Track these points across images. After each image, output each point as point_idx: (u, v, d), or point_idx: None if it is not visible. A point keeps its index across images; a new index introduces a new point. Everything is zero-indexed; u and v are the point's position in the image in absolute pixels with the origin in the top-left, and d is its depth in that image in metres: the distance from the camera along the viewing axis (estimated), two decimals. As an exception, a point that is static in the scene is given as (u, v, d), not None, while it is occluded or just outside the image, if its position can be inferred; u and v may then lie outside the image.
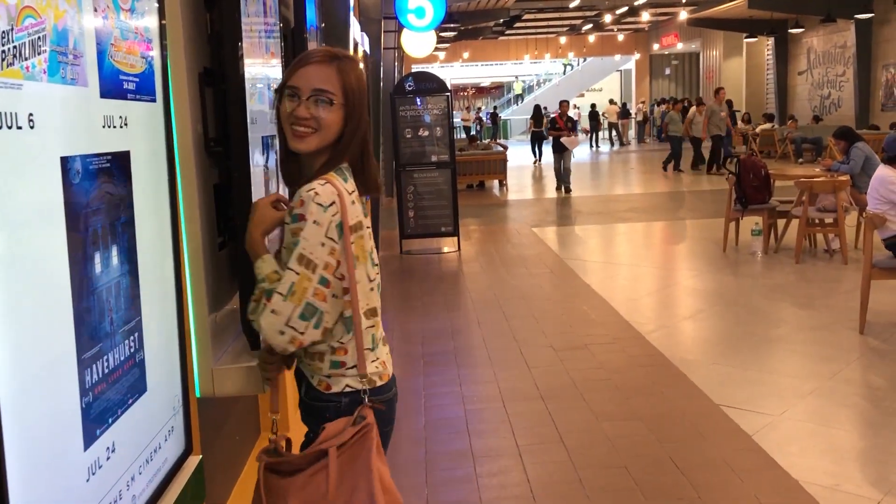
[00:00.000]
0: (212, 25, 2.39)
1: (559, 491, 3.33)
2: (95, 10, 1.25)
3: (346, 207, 1.68)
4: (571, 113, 16.66)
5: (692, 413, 4.07)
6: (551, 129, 14.84)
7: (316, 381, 1.77)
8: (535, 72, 43.20)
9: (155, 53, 1.46)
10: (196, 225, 1.84)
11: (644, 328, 5.63)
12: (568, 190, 14.11)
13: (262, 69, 2.59)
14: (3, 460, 0.87)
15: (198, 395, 1.98)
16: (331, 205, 1.66)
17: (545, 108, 26.80)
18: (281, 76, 2.95)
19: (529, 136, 22.68)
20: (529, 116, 23.09)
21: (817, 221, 7.78)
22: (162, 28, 1.40)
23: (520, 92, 43.10)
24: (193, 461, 1.51)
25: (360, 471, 1.65)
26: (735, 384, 4.46)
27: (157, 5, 1.41)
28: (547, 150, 16.34)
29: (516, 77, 43.11)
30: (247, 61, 2.29)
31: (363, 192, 1.83)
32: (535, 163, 20.89)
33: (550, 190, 14.97)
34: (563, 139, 14.04)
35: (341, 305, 1.74)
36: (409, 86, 9.11)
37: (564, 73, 40.48)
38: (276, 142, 2.01)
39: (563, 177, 14.24)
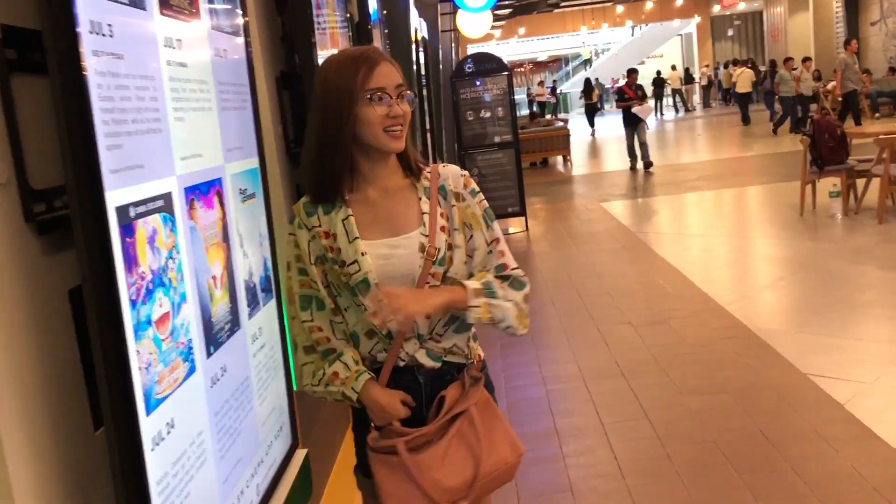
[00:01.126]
0: (284, 28, 2.44)
1: (648, 468, 3.32)
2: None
3: None
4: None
5: (780, 384, 3.99)
6: (619, 100, 13.68)
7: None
8: (594, 42, 42.47)
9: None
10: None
11: (724, 300, 5.53)
12: (648, 164, 12.87)
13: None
14: (143, 465, 0.93)
15: (294, 388, 2.05)
16: None
17: (597, 79, 29.34)
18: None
19: (584, 110, 24.18)
20: (581, 90, 23.83)
21: (900, 179, 7.48)
22: (247, 37, 1.45)
23: (588, 56, 42.04)
24: (300, 455, 1.56)
25: (495, 424, 1.76)
26: (823, 352, 4.35)
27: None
28: (604, 121, 16.65)
29: (583, 43, 41.85)
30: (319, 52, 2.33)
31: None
32: (591, 134, 22.17)
33: (614, 163, 14.75)
34: (634, 109, 12.89)
35: None
36: (469, 68, 9.09)
37: (586, 67, 39.89)
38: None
39: (640, 152, 13.02)
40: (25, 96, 1.00)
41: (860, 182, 7.87)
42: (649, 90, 26.82)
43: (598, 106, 25.80)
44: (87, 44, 0.87)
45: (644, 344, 4.81)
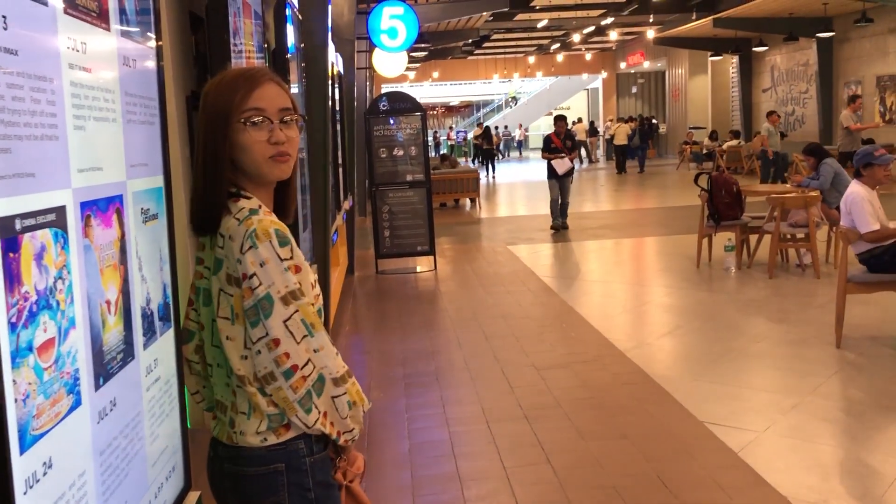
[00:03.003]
0: (197, 47, 2.35)
1: (549, 513, 3.30)
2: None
3: None
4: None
5: (678, 431, 4.07)
6: (545, 150, 11.72)
7: None
8: (503, 91, 43.50)
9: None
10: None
11: (624, 345, 5.64)
12: (564, 227, 11.50)
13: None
14: None
15: (189, 426, 1.92)
16: None
17: (496, 127, 32.70)
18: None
19: (482, 155, 26.22)
20: (480, 136, 25.50)
21: (789, 237, 7.89)
22: (159, 49, 1.37)
23: (514, 95, 42.68)
24: (193, 497, 1.45)
25: None
26: (717, 400, 4.47)
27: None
28: (501, 165, 17.12)
29: (513, 81, 42.37)
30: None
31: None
32: (491, 178, 23.84)
33: (521, 208, 15.03)
34: (553, 162, 11.34)
35: None
36: (384, 105, 9.10)
37: (511, 104, 41.21)
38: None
39: (559, 211, 11.51)
40: None
41: (753, 238, 8.25)
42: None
43: (496, 152, 27.51)
44: (-22, 34, 0.78)
45: (547, 387, 4.84)
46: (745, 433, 3.96)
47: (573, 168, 11.57)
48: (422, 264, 9.22)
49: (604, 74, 34.00)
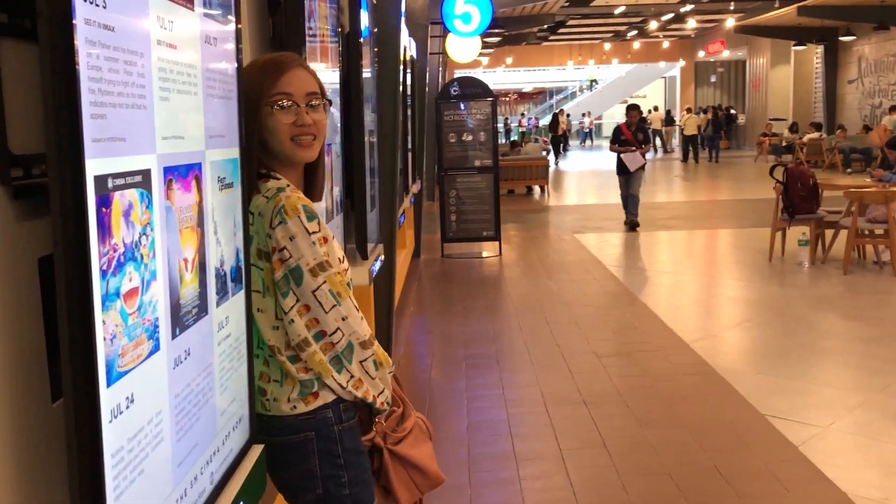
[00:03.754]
0: (274, 29, 2.46)
1: (602, 495, 3.34)
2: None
3: None
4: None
5: (737, 422, 4.04)
6: (613, 141, 10.68)
7: None
8: (578, 77, 43.00)
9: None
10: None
11: (688, 337, 5.59)
12: (634, 226, 10.51)
13: (324, 73, 2.65)
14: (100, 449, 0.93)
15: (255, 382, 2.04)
16: None
17: (568, 114, 32.40)
18: (338, 81, 3.02)
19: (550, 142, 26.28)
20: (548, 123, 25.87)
21: (867, 232, 7.65)
22: (238, 31, 1.47)
23: (594, 78, 41.84)
24: (257, 450, 1.56)
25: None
26: (781, 394, 4.41)
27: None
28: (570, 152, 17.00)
29: (588, 68, 41.37)
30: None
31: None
32: (555, 164, 23.86)
33: (590, 197, 14.91)
34: (623, 156, 10.29)
35: None
36: (455, 91, 9.16)
37: (591, 88, 40.42)
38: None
39: (629, 206, 10.62)
40: (12, 61, 1.01)
41: (829, 232, 8.03)
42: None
43: (563, 140, 27.72)
44: (80, 12, 0.88)
45: (607, 374, 4.85)
46: (807, 428, 3.91)
47: (645, 164, 10.49)
48: (487, 249, 9.28)
49: (681, 63, 33.26)
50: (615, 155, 10.52)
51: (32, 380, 1.07)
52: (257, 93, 1.58)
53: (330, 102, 1.72)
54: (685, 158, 23.37)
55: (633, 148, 10.30)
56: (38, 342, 1.07)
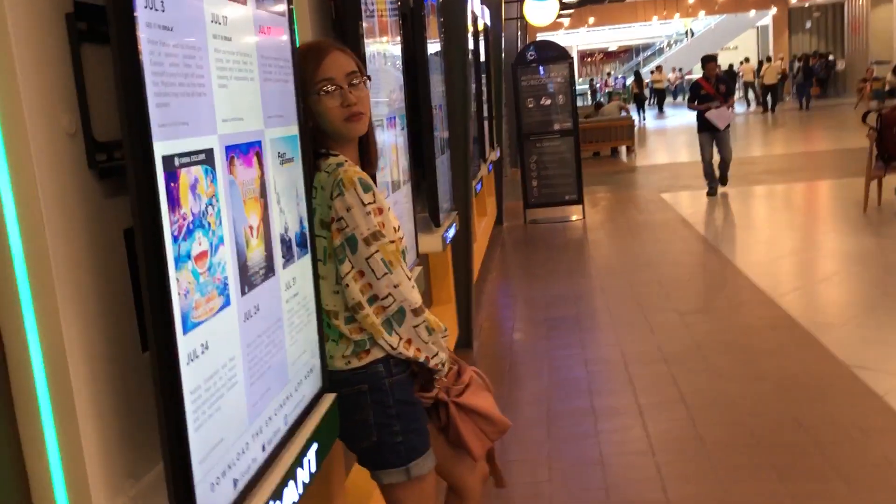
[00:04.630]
0: (336, 11, 2.60)
1: (678, 447, 3.40)
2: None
3: None
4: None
5: (820, 374, 4.00)
6: (692, 97, 9.68)
7: None
8: (665, 33, 41.71)
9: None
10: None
11: (775, 291, 5.51)
12: (714, 191, 9.61)
13: (383, 47, 2.78)
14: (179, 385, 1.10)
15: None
16: None
17: (651, 70, 31.38)
18: (401, 54, 3.15)
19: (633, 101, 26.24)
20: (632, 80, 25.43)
21: (971, 177, 7.27)
22: (290, 15, 1.61)
23: (689, 28, 40.21)
24: (329, 398, 1.72)
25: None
26: (868, 346, 4.33)
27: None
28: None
29: (673, 22, 39.46)
30: (368, 41, 2.48)
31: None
32: (639, 122, 23.47)
33: (681, 155, 14.57)
34: (708, 114, 9.26)
35: None
36: (531, 55, 9.15)
37: (688, 36, 38.81)
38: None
39: (714, 172, 9.62)
40: (93, 62, 1.18)
41: (928, 179, 7.67)
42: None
43: (644, 97, 27.39)
44: (142, 17, 1.03)
45: (689, 331, 4.86)
46: (893, 377, 3.84)
47: (731, 119, 9.49)
48: (570, 214, 9.29)
49: (773, 10, 31.78)
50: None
51: (125, 334, 1.25)
52: (304, 81, 1.71)
53: (369, 78, 1.86)
54: (765, 108, 23.55)
55: (717, 104, 9.30)
56: (128, 301, 1.26)
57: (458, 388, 1.99)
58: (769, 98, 23.50)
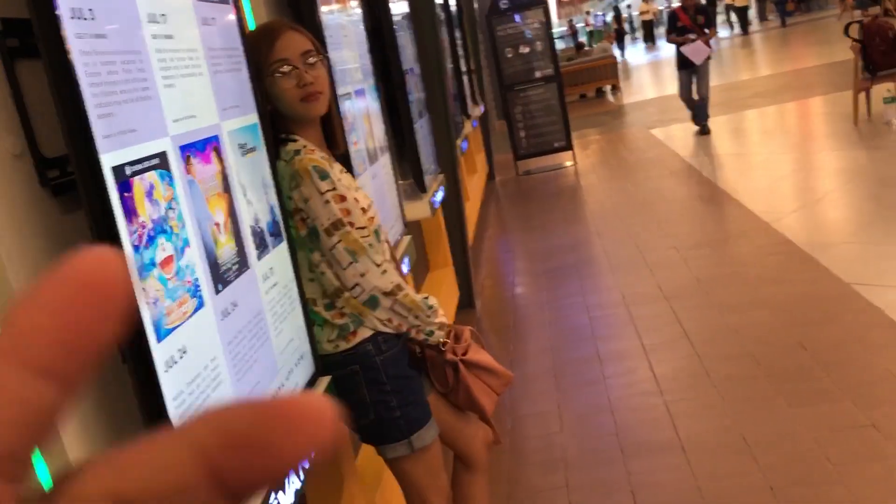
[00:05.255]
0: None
1: (686, 384, 3.42)
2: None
3: None
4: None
5: (821, 296, 4.01)
6: (670, 30, 9.05)
7: None
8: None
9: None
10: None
11: (771, 216, 5.49)
12: (704, 130, 8.99)
13: (344, 13, 2.73)
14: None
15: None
16: None
17: (629, 5, 32.09)
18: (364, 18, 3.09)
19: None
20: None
21: (959, 78, 7.20)
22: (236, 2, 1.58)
23: None
24: (324, 381, 1.73)
25: None
26: (868, 261, 4.33)
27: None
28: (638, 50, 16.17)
29: None
30: (326, 10, 2.43)
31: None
32: (620, 58, 23.12)
33: (669, 87, 14.42)
34: (683, 48, 8.65)
35: None
36: (504, 3, 9.01)
37: None
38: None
39: (696, 109, 9.03)
40: (30, 78, 1.16)
41: (917, 85, 7.59)
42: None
43: (624, 32, 27.74)
44: (70, 28, 1.00)
45: (687, 267, 4.86)
46: (893, 291, 3.85)
47: (710, 54, 8.80)
48: (562, 160, 9.23)
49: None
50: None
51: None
52: (257, 66, 1.68)
53: (327, 56, 1.83)
54: (744, 31, 23.45)
55: (694, 36, 8.62)
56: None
57: (462, 346, 2.00)
58: (740, 19, 23.83)
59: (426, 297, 1.88)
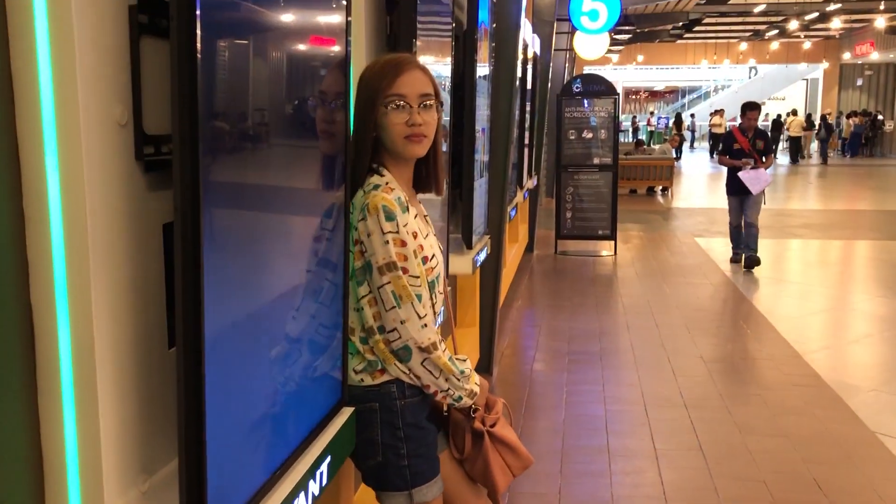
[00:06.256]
0: (391, 27, 2.62)
1: (692, 497, 3.33)
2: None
3: None
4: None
5: (843, 437, 3.91)
6: (723, 152, 8.22)
7: None
8: (713, 77, 41.56)
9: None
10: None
11: (803, 348, 5.41)
12: (752, 262, 7.99)
13: (434, 66, 2.79)
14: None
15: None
16: None
17: (692, 114, 33.05)
18: (450, 75, 3.16)
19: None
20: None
21: None
22: (347, 25, 1.62)
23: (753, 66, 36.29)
24: (347, 411, 1.71)
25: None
26: (894, 413, 4.22)
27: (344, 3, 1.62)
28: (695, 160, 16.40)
29: (722, 68, 36.43)
30: (421, 58, 2.49)
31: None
32: (676, 160, 22.98)
33: (718, 199, 14.43)
34: (741, 173, 7.84)
35: None
36: (577, 87, 9.16)
37: (750, 76, 38.23)
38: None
39: (743, 239, 8.15)
40: (151, 56, 1.19)
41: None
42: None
43: (683, 139, 28.04)
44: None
45: (712, 379, 4.78)
46: (920, 449, 3.74)
47: (768, 183, 8.04)
48: (602, 248, 9.23)
49: (825, 64, 31.55)
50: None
51: (153, 329, 1.25)
52: (374, 92, 1.72)
53: (442, 104, 1.84)
54: (794, 160, 24.53)
55: (751, 162, 7.87)
56: (160, 296, 1.26)
57: (493, 417, 1.96)
58: (793, 149, 24.82)
59: (461, 360, 1.85)
